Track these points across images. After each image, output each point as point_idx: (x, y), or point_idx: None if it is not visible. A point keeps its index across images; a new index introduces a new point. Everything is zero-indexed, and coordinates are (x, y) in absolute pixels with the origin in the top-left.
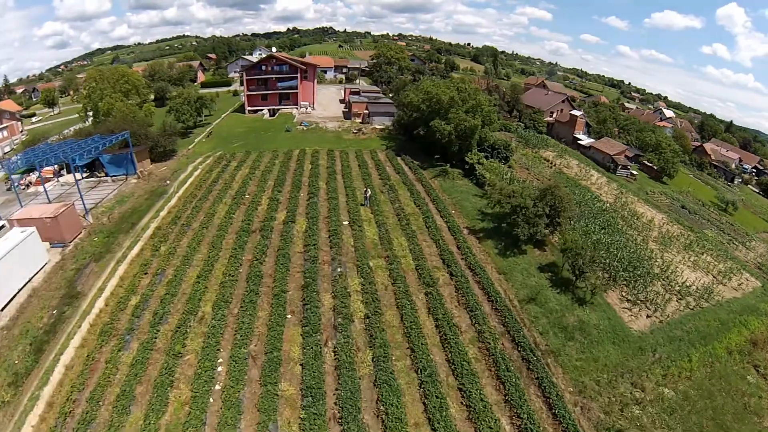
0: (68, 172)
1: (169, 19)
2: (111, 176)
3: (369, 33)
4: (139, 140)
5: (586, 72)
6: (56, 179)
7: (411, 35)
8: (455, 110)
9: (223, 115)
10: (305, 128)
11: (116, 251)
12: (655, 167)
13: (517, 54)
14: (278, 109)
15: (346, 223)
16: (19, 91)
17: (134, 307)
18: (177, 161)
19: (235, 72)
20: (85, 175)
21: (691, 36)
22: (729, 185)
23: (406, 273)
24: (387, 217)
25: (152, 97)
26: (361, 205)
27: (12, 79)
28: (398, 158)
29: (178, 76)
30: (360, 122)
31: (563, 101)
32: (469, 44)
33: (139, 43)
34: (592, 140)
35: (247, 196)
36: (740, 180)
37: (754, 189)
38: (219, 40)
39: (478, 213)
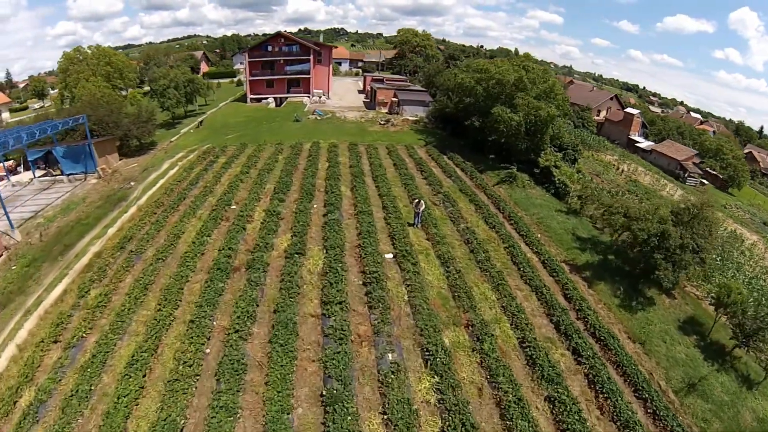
0: (26, 170)
1: (181, 20)
2: (67, 175)
3: (381, 34)
4: (107, 129)
5: (601, 75)
6: (7, 178)
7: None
8: (524, 95)
9: (221, 104)
10: (319, 118)
11: (31, 292)
12: (721, 176)
13: (529, 56)
14: (286, 98)
15: (390, 257)
16: (22, 85)
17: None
18: (153, 156)
19: (240, 63)
20: (39, 174)
21: (703, 40)
22: None
23: (507, 356)
24: (452, 245)
25: (147, 88)
26: (410, 225)
27: (24, 77)
28: (444, 157)
29: (177, 65)
30: (387, 112)
31: (611, 98)
32: (481, 46)
33: (151, 43)
34: (652, 143)
35: (232, 207)
36: None
37: None
38: (229, 38)
39: (573, 238)
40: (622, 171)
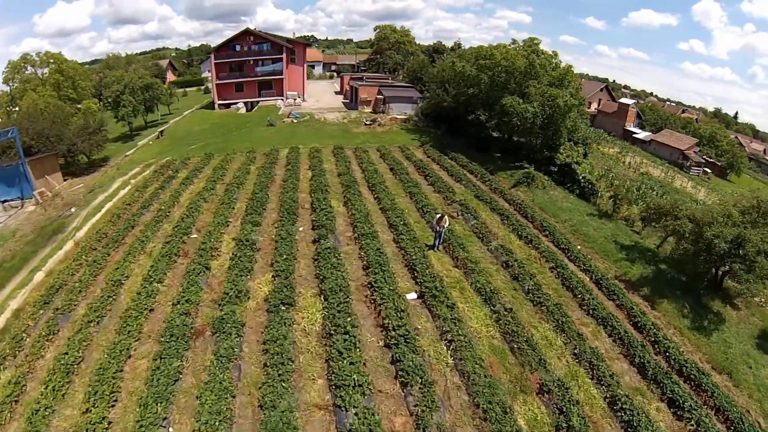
0: None
1: (149, 34)
2: (2, 202)
3: (351, 40)
4: (47, 144)
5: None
6: None
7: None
8: (536, 83)
9: (186, 113)
10: (295, 120)
11: None
12: (719, 163)
13: (536, 40)
14: (257, 102)
15: (414, 297)
16: None
17: None
18: (103, 174)
19: (208, 71)
20: None
21: (668, 33)
22: None
23: (600, 428)
24: (489, 273)
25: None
26: (429, 247)
27: None
28: (446, 158)
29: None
30: (371, 112)
31: (601, 90)
32: (459, 45)
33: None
34: (650, 133)
35: (193, 237)
36: None
37: None
38: (197, 48)
39: (616, 247)
40: (630, 164)
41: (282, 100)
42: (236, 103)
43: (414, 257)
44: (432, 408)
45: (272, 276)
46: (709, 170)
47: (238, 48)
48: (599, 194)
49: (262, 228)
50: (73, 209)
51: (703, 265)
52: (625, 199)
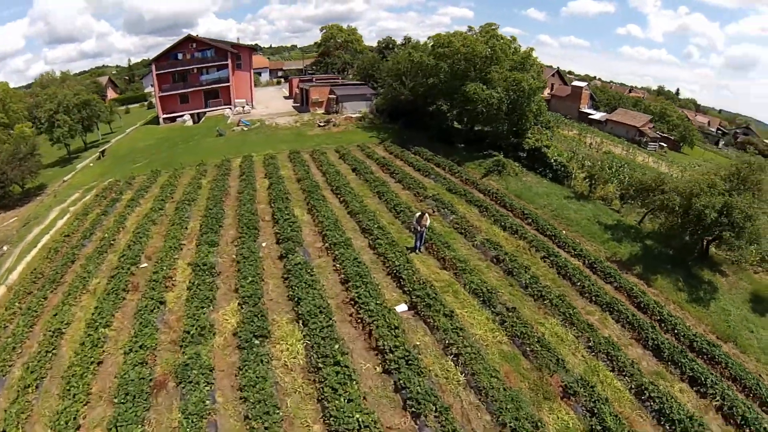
0: None
1: (87, 52)
2: None
3: (295, 46)
4: None
5: None
6: None
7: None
8: (498, 67)
9: (128, 130)
10: (245, 128)
11: None
12: (673, 137)
13: (493, 25)
14: (205, 113)
15: (405, 309)
16: None
17: None
18: (39, 203)
19: (151, 85)
20: None
21: (606, 19)
22: (722, 149)
23: (634, 423)
24: (480, 270)
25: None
26: (410, 250)
27: None
28: (409, 153)
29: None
30: (324, 113)
31: (553, 75)
32: (410, 39)
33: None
34: (605, 113)
35: (143, 266)
36: (725, 143)
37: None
38: (139, 63)
39: (600, 228)
40: (591, 144)
41: (230, 108)
42: (182, 116)
43: (397, 263)
44: None
45: (238, 304)
46: (664, 144)
47: (180, 56)
48: (573, 176)
49: (221, 248)
50: (5, 248)
51: (692, 236)
52: (601, 179)
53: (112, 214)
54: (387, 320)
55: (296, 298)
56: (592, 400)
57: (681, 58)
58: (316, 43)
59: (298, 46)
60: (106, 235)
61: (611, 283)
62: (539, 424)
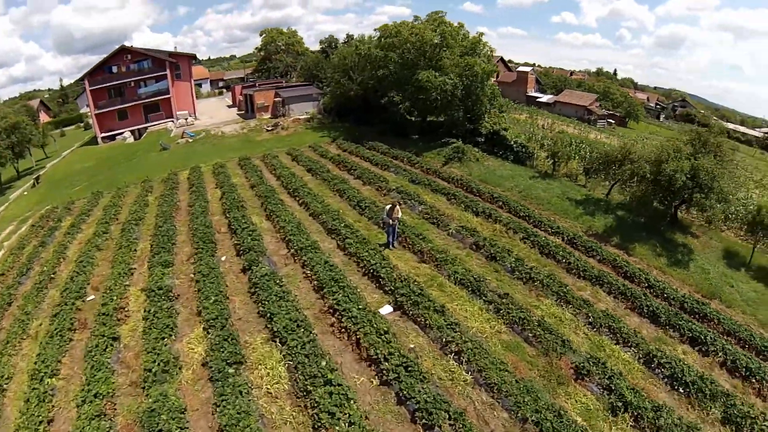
0: None
1: (17, 77)
2: None
3: (234, 56)
4: None
5: None
6: None
7: None
8: (450, 53)
9: (65, 153)
10: (190, 140)
11: None
12: (618, 114)
13: (440, 13)
14: (146, 128)
15: (389, 310)
16: None
17: None
18: None
19: (86, 106)
20: None
21: (542, 9)
22: (663, 122)
23: (649, 392)
24: (462, 259)
25: None
26: (383, 246)
27: None
28: (364, 148)
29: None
30: (270, 117)
31: (498, 62)
32: (352, 37)
33: None
34: (552, 96)
35: (90, 299)
36: (665, 116)
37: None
38: (73, 84)
39: (571, 204)
40: (543, 126)
41: (173, 121)
42: (122, 133)
43: (372, 262)
44: None
45: (204, 329)
46: (612, 121)
47: (115, 69)
48: (535, 156)
49: (176, 268)
50: None
51: (662, 202)
52: (564, 156)
53: (51, 244)
54: (374, 325)
55: (268, 314)
56: (606, 376)
57: (614, 41)
58: (256, 48)
59: (237, 56)
60: (45, 268)
61: (594, 257)
62: (561, 411)
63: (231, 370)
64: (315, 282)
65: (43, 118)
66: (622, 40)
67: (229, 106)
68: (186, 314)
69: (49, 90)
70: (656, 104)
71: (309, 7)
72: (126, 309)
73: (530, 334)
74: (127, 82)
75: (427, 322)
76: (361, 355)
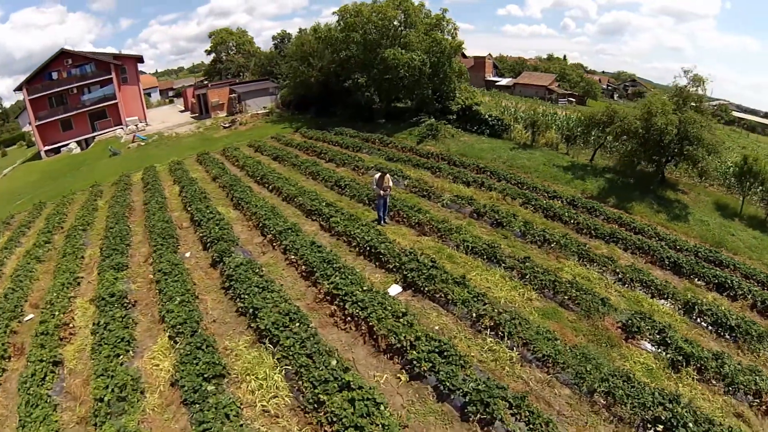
0: None
1: None
2: None
3: (182, 68)
4: None
5: None
6: None
7: None
8: (414, 31)
9: (5, 171)
10: (142, 143)
11: None
12: (577, 93)
13: None
14: (93, 137)
15: (398, 290)
16: None
17: None
18: None
19: (29, 123)
20: None
21: (486, 2)
22: (618, 101)
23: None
24: (466, 229)
25: None
26: (374, 223)
27: None
28: (331, 134)
29: None
30: (227, 115)
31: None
32: (305, 30)
33: None
34: (511, 78)
35: (27, 318)
36: (618, 95)
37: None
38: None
39: (559, 170)
40: (507, 107)
41: (122, 128)
42: (67, 144)
43: (367, 238)
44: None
45: (169, 337)
46: (573, 99)
47: (55, 76)
48: (511, 128)
49: (133, 271)
50: None
51: (652, 160)
52: (543, 125)
53: None
54: (388, 308)
55: (251, 310)
56: (657, 331)
57: (559, 30)
58: (206, 51)
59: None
60: None
61: (598, 217)
62: (629, 376)
63: (210, 387)
64: (303, 267)
65: None
66: (567, 29)
67: (182, 111)
68: (147, 323)
69: None
70: (608, 85)
71: (255, 14)
72: (70, 325)
73: (565, 297)
74: (70, 89)
75: (449, 297)
76: (378, 347)
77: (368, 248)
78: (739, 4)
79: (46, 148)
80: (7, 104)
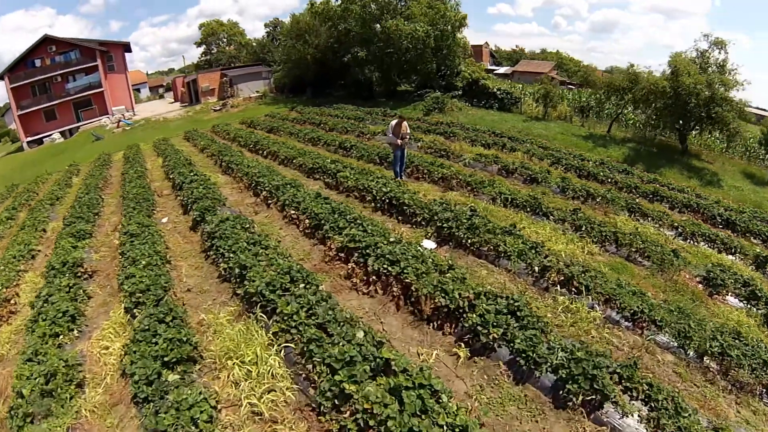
0: None
1: None
2: None
3: (173, 69)
4: None
5: None
6: None
7: None
8: (417, 3)
9: None
10: (128, 127)
11: None
12: (576, 82)
13: None
14: (78, 128)
15: (433, 246)
16: None
17: None
18: None
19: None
20: None
21: (476, 1)
22: None
23: None
24: (500, 182)
25: None
26: (394, 178)
27: None
28: (330, 110)
29: None
30: (218, 100)
31: None
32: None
33: None
34: (509, 67)
35: None
36: None
37: None
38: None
39: (579, 138)
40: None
41: (108, 117)
42: (50, 135)
43: (385, 190)
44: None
45: (126, 310)
46: (573, 86)
47: (38, 63)
48: (521, 102)
49: (97, 240)
50: None
51: (676, 126)
52: (556, 97)
53: None
54: (427, 262)
55: (236, 271)
56: (741, 284)
57: (550, 28)
58: (195, 43)
59: (176, 69)
60: None
61: (633, 178)
62: (739, 332)
63: (173, 377)
64: (306, 223)
65: None
66: (558, 28)
67: (171, 103)
68: (104, 296)
69: None
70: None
71: (246, 15)
72: (12, 302)
73: (631, 250)
74: (53, 77)
75: (500, 249)
76: (419, 313)
77: (388, 201)
78: (729, 2)
79: (29, 139)
80: None
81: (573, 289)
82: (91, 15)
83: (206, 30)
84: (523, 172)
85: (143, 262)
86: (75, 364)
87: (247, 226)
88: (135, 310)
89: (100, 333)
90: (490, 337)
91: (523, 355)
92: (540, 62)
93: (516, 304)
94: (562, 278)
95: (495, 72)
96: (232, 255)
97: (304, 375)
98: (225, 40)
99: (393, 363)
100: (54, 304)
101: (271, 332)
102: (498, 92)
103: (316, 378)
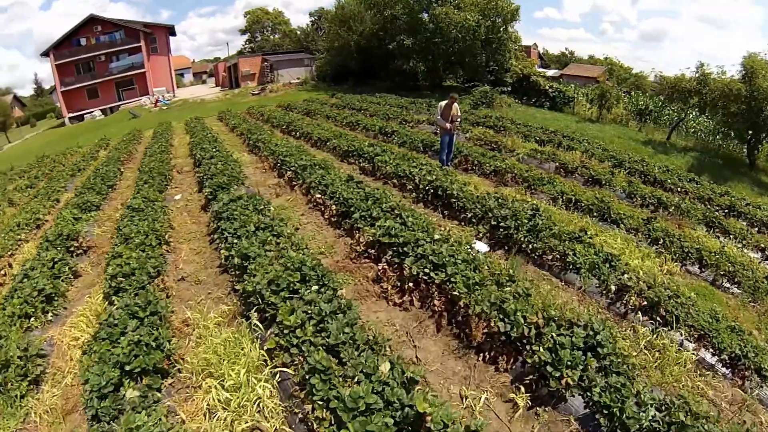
0: None
1: None
2: None
3: (218, 58)
4: None
5: None
6: None
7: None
8: None
9: (27, 136)
10: (165, 107)
11: None
12: (627, 89)
13: None
14: (118, 106)
15: (485, 249)
16: None
17: None
18: None
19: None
20: None
21: (524, 4)
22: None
23: None
24: (557, 181)
25: None
26: (440, 167)
27: None
28: (372, 99)
29: None
30: (257, 84)
31: None
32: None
33: None
34: (557, 70)
35: None
36: None
37: None
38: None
39: (637, 143)
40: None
41: (148, 98)
42: (91, 112)
43: (430, 179)
44: None
45: (105, 296)
46: (623, 93)
47: (84, 42)
48: (575, 101)
49: (103, 213)
50: None
51: (744, 136)
52: (613, 98)
53: None
54: (484, 271)
55: (238, 261)
56: None
57: (597, 35)
58: (240, 30)
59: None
60: None
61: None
62: None
63: (131, 394)
64: (333, 209)
65: (17, 113)
66: (605, 34)
67: (212, 87)
68: (93, 276)
69: (31, 97)
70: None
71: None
72: (3, 273)
73: (718, 273)
74: (97, 56)
75: (567, 259)
76: (464, 337)
77: (432, 191)
78: None
79: (70, 115)
80: (47, 86)
81: (658, 319)
82: (142, 2)
83: (251, 18)
84: (584, 172)
85: (136, 241)
86: (35, 355)
87: (261, 207)
88: (114, 297)
89: (74, 320)
90: (563, 382)
91: (605, 411)
92: (590, 66)
93: (597, 337)
94: (645, 303)
95: (543, 75)
96: (236, 241)
97: (301, 416)
98: (269, 28)
99: (429, 418)
100: (32, 280)
101: (266, 347)
102: (550, 90)
103: (316, 427)
